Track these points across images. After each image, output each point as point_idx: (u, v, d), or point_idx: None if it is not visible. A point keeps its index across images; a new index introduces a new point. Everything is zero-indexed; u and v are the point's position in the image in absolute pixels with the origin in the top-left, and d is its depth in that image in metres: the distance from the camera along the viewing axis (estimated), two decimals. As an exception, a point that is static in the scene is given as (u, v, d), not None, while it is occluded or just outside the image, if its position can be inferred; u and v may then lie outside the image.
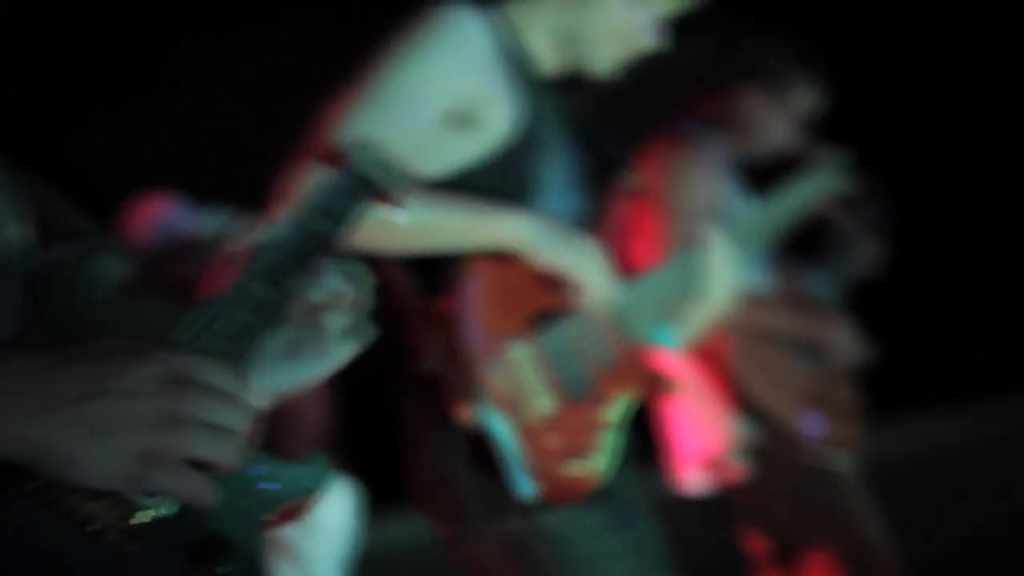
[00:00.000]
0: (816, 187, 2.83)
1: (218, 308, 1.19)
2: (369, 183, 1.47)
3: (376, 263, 2.00)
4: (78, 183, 1.41)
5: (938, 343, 5.21)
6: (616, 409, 2.15)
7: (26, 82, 3.84)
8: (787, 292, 3.24)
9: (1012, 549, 4.54)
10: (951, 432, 5.36)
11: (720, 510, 3.24)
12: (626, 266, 2.27)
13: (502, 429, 1.97)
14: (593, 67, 2.25)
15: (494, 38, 2.12)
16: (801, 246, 3.08)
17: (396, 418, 2.16)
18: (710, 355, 3.09)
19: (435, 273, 2.06)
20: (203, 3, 4.14)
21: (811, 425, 3.14)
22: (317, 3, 4.21)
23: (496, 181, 2.10)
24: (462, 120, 2.08)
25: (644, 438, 2.44)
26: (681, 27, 2.30)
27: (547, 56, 2.24)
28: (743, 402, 3.12)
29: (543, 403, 2.03)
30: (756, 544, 3.20)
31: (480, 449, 2.00)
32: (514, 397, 2.00)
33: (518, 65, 2.16)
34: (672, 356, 2.39)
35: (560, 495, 2.05)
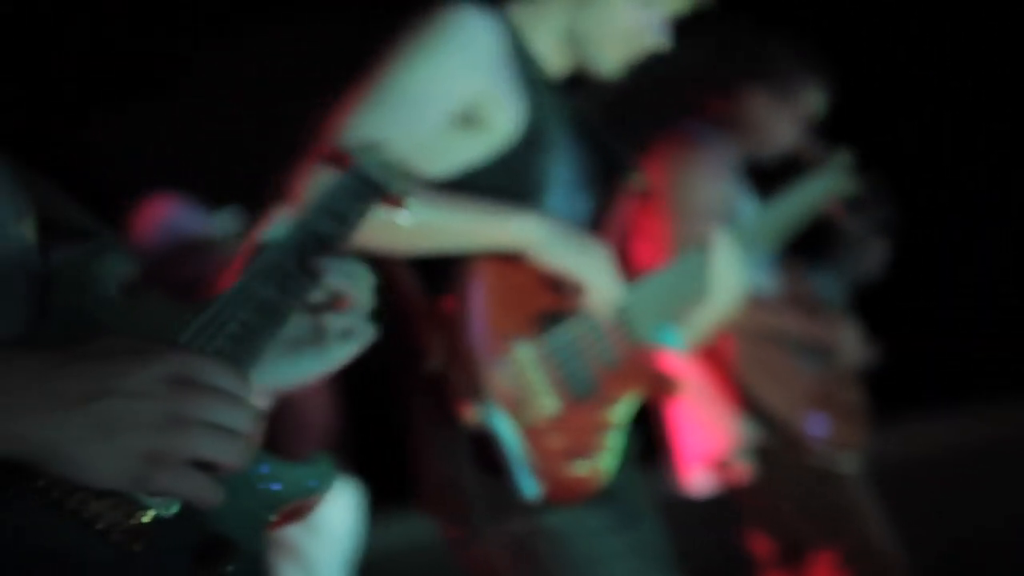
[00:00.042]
0: (822, 188, 2.83)
1: (220, 307, 1.19)
2: (373, 184, 1.48)
3: (381, 263, 2.00)
4: (79, 183, 1.40)
5: (941, 343, 5.21)
6: (620, 409, 2.14)
7: (27, 82, 3.84)
8: (792, 293, 3.24)
9: (1016, 550, 4.55)
10: (955, 433, 5.36)
11: (725, 511, 3.24)
12: (630, 266, 2.27)
13: (506, 429, 1.97)
14: (598, 67, 2.25)
15: (500, 38, 2.12)
16: (806, 247, 3.07)
17: (400, 418, 2.16)
18: (715, 356, 3.09)
19: (440, 273, 2.05)
20: (204, 3, 4.13)
21: (816, 426, 3.13)
22: (319, 3, 4.21)
23: (502, 181, 2.10)
24: (468, 120, 2.08)
25: (648, 439, 2.44)
26: (686, 28, 2.30)
27: (553, 56, 2.24)
28: (748, 403, 3.11)
29: (547, 403, 2.02)
30: (761, 545, 3.20)
31: (484, 449, 1.99)
32: (518, 397, 2.00)
33: (524, 65, 2.16)
34: (676, 357, 2.39)
35: (564, 495, 2.05)
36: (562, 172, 2.20)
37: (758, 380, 3.13)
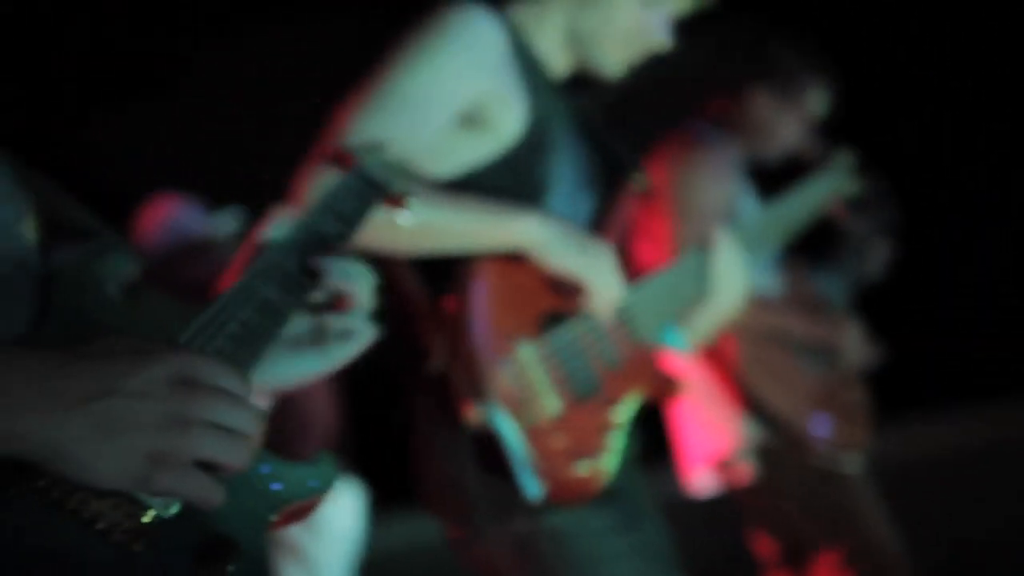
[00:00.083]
0: (825, 189, 2.83)
1: (221, 307, 1.19)
2: (376, 184, 1.47)
3: (384, 264, 2.00)
4: (81, 183, 1.40)
5: (942, 344, 5.21)
6: (623, 410, 2.14)
7: (29, 82, 3.84)
8: (795, 293, 3.24)
9: (1017, 550, 4.54)
10: (956, 433, 5.36)
11: (727, 511, 3.24)
12: (633, 267, 2.27)
13: (509, 429, 1.97)
14: (602, 67, 2.25)
15: (504, 38, 2.12)
16: (809, 247, 3.07)
17: (403, 419, 2.16)
18: (717, 356, 3.09)
19: (442, 273, 2.05)
20: (206, 3, 4.14)
21: (819, 426, 3.13)
22: (321, 3, 4.21)
23: (505, 181, 2.10)
24: (472, 120, 2.08)
25: (652, 439, 2.43)
26: (689, 28, 2.30)
27: (556, 56, 2.24)
28: (750, 403, 3.11)
29: (550, 403, 2.02)
30: (763, 545, 3.20)
31: (487, 449, 1.99)
32: (521, 397, 1.99)
33: (529, 65, 2.16)
34: (679, 357, 2.39)
35: (566, 495, 2.05)
36: (565, 172, 2.20)
37: (761, 380, 3.13)
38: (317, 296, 1.30)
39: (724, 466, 3.11)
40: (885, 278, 3.52)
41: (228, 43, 4.15)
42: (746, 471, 3.10)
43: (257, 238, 1.34)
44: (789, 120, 3.26)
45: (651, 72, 2.32)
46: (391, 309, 1.80)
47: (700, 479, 3.18)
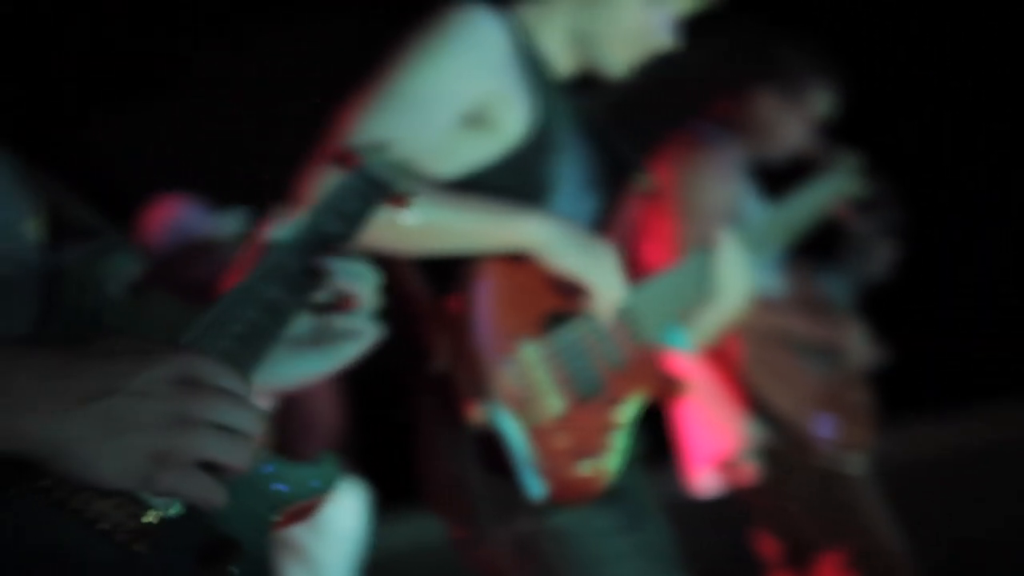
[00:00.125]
0: (830, 190, 2.83)
1: (225, 307, 1.19)
2: (380, 184, 1.47)
3: (388, 263, 2.00)
4: (86, 183, 1.40)
5: (943, 345, 5.20)
6: (626, 410, 2.14)
7: (34, 82, 3.84)
8: (800, 294, 3.24)
9: (1020, 550, 4.54)
10: (959, 434, 5.35)
11: (731, 511, 3.24)
12: (638, 267, 2.27)
13: (512, 429, 1.97)
14: (606, 67, 2.25)
15: (508, 38, 2.12)
16: (814, 248, 3.07)
17: (406, 418, 2.16)
18: (722, 357, 3.09)
19: (446, 273, 2.05)
20: (209, 3, 4.14)
21: (823, 427, 3.13)
22: (327, 2, 4.21)
23: (509, 182, 2.10)
24: (476, 121, 2.08)
25: (656, 439, 2.43)
26: (695, 28, 2.30)
27: (561, 56, 2.24)
28: (755, 404, 3.11)
29: (553, 403, 2.02)
30: (767, 545, 3.20)
31: (490, 449, 1.99)
32: (524, 397, 1.99)
33: (533, 65, 2.16)
34: (683, 357, 2.39)
35: (570, 495, 2.05)
36: (569, 172, 2.20)
37: (765, 381, 3.12)
38: (321, 296, 1.30)
39: (728, 466, 3.11)
40: (886, 279, 3.52)
41: (233, 43, 4.15)
42: (750, 471, 3.10)
43: (261, 238, 1.34)
44: (793, 121, 3.26)
45: (655, 72, 2.32)
46: (394, 309, 1.80)
47: (704, 479, 3.18)
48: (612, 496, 2.11)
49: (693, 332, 2.36)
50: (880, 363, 3.32)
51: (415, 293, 2.10)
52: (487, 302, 2.02)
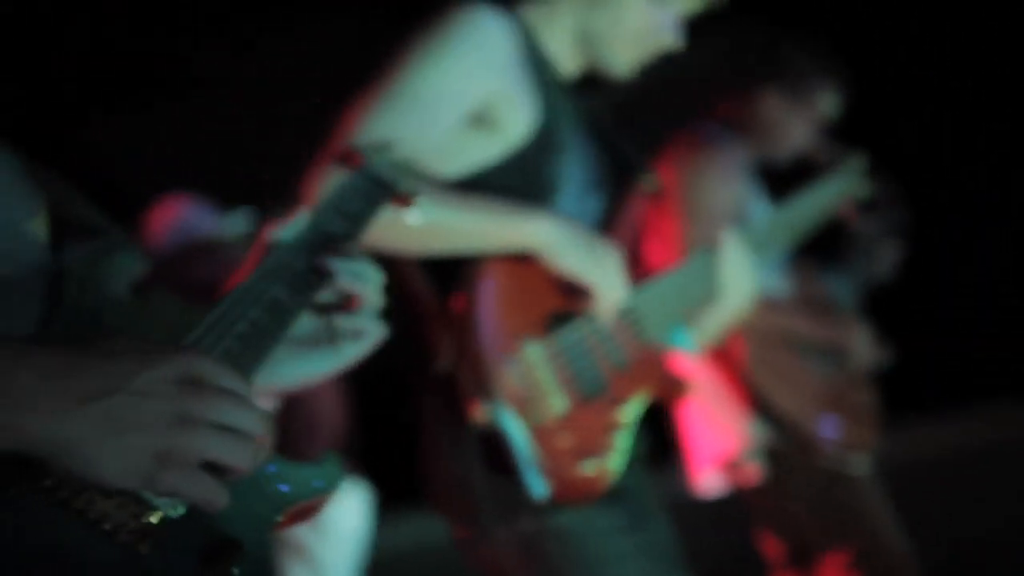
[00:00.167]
0: (835, 191, 2.83)
1: (229, 307, 1.19)
2: (384, 184, 1.47)
3: (392, 263, 2.00)
4: (91, 182, 1.40)
5: (944, 345, 5.20)
6: (629, 410, 2.14)
7: (41, 82, 3.85)
8: (804, 295, 3.24)
9: (1020, 550, 4.54)
10: (959, 434, 5.36)
11: (735, 512, 3.23)
12: (642, 267, 2.27)
13: (515, 428, 1.97)
14: (611, 68, 2.25)
15: (513, 38, 2.12)
16: (818, 249, 3.07)
17: (410, 418, 2.16)
18: (725, 357, 3.09)
19: (450, 272, 2.05)
20: (213, 5, 4.14)
21: (827, 428, 3.13)
22: (332, 3, 4.21)
23: (515, 182, 2.10)
24: (481, 120, 2.08)
25: (659, 440, 2.43)
26: (700, 28, 2.30)
27: (565, 57, 2.24)
28: (758, 404, 3.11)
29: (556, 403, 2.02)
30: (771, 546, 3.20)
31: (493, 449, 1.99)
32: (527, 396, 1.99)
33: (538, 65, 2.16)
34: (687, 358, 2.38)
35: (572, 495, 2.05)
36: (574, 173, 2.20)
37: (768, 381, 3.12)
38: (324, 296, 1.30)
39: (731, 467, 3.11)
40: (890, 279, 3.52)
41: (242, 44, 4.16)
42: (753, 472, 3.10)
43: (264, 238, 1.34)
44: (799, 122, 3.26)
45: (661, 72, 2.32)
46: (398, 309, 1.80)
47: (707, 480, 3.17)
48: (615, 496, 2.11)
49: (697, 332, 2.36)
50: (884, 364, 3.32)
51: (419, 293, 2.10)
52: (490, 302, 2.02)
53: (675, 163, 3.12)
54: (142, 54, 4.15)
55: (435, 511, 2.17)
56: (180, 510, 1.06)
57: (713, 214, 2.97)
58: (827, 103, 3.30)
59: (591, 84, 2.29)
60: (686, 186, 3.06)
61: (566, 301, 2.10)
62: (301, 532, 3.06)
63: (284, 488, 1.19)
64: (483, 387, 1.97)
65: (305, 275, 1.27)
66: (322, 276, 1.28)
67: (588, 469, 2.06)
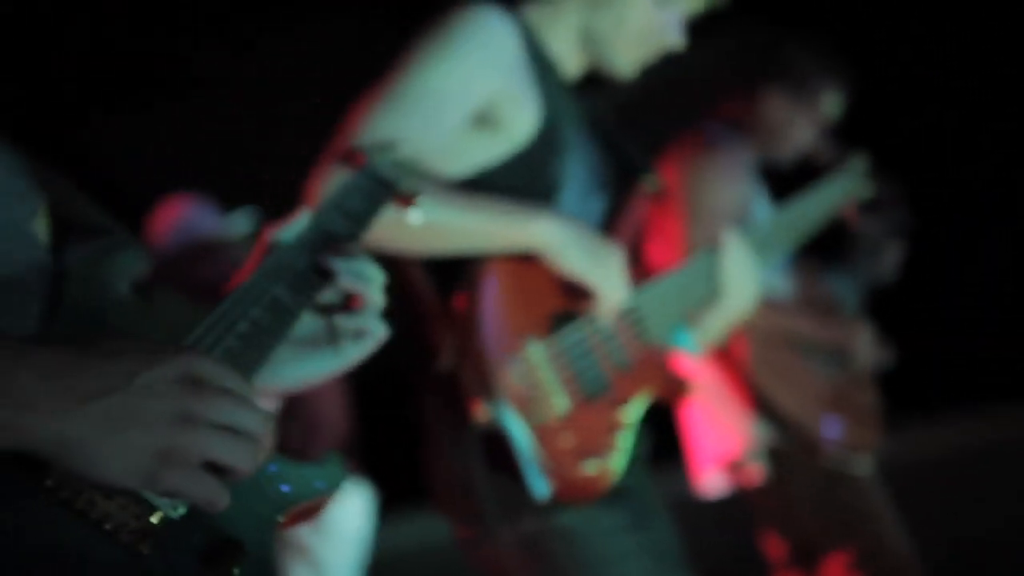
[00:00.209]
0: (838, 191, 2.82)
1: (231, 306, 1.19)
2: (386, 183, 1.47)
3: (395, 263, 2.00)
4: (93, 182, 1.40)
5: (945, 345, 5.20)
6: (632, 410, 2.14)
7: (44, 82, 3.85)
8: (807, 295, 3.24)
9: (1020, 550, 4.54)
10: (960, 434, 5.36)
11: (738, 512, 3.23)
12: (645, 267, 2.26)
13: (517, 428, 1.96)
14: (616, 68, 2.24)
15: (517, 39, 2.12)
16: (821, 249, 3.07)
17: (412, 418, 2.16)
18: (728, 357, 3.09)
19: (452, 272, 2.05)
20: (213, 5, 4.15)
21: (830, 428, 3.13)
22: (326, 4, 4.22)
23: (518, 182, 2.10)
24: (484, 121, 2.08)
25: (662, 440, 2.43)
26: (703, 28, 2.29)
27: (569, 57, 2.24)
28: (761, 405, 3.11)
29: (559, 402, 2.02)
30: (773, 546, 3.20)
31: (496, 448, 1.99)
32: (530, 396, 1.99)
33: (541, 66, 2.16)
34: (690, 358, 2.38)
35: (574, 495, 2.05)
36: (577, 173, 2.20)
37: (771, 382, 3.12)
38: (327, 296, 1.30)
39: (734, 467, 3.11)
40: (893, 280, 3.52)
41: (239, 44, 4.16)
42: (756, 472, 3.10)
43: (267, 238, 1.34)
44: (803, 122, 3.26)
45: (664, 73, 2.32)
46: (400, 308, 1.80)
47: (710, 480, 3.17)
48: (617, 495, 2.11)
49: (699, 333, 2.36)
50: (887, 364, 3.31)
51: (421, 292, 2.10)
52: (493, 301, 2.02)
53: (678, 163, 3.12)
54: (142, 54, 4.15)
55: (437, 511, 2.17)
56: (181, 510, 1.06)
57: (716, 214, 2.97)
58: (830, 103, 3.29)
59: (594, 84, 2.29)
60: (689, 186, 3.06)
61: (568, 301, 2.10)
62: (303, 532, 3.07)
63: (286, 488, 1.19)
64: (485, 387, 1.97)
65: (307, 275, 1.27)
66: (324, 276, 1.28)
67: (590, 469, 2.06)
